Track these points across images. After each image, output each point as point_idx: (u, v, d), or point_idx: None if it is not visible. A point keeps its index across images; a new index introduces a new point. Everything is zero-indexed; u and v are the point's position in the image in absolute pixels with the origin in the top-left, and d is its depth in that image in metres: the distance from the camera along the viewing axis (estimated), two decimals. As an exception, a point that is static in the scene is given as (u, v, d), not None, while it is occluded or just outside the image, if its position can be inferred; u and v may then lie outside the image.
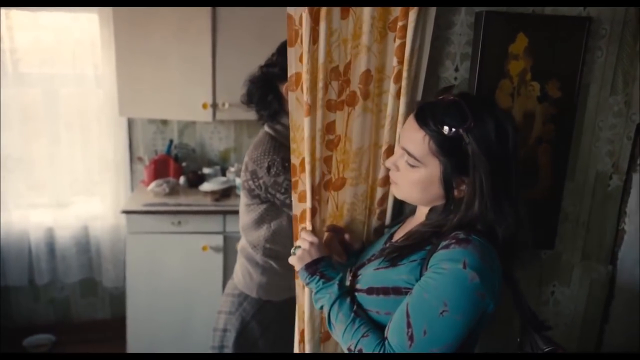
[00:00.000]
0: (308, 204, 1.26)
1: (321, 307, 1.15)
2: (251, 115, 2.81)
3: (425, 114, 1.02)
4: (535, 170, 1.43)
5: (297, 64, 1.19)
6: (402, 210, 1.36)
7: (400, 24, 1.17)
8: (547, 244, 1.50)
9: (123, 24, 2.62)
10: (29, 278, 3.07)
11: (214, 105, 2.75)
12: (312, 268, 1.17)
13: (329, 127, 1.25)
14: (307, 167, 1.23)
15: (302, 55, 1.16)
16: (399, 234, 1.17)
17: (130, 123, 3.05)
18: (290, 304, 1.77)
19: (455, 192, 1.04)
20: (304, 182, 1.27)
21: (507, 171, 1.01)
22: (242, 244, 1.79)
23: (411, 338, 0.95)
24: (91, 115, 2.99)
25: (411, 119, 1.05)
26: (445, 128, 0.98)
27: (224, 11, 2.65)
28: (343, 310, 1.08)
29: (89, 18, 2.87)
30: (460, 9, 1.32)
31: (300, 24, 1.16)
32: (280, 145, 1.62)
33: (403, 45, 1.18)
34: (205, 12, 2.62)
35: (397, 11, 1.19)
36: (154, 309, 2.74)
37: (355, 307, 1.09)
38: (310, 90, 1.17)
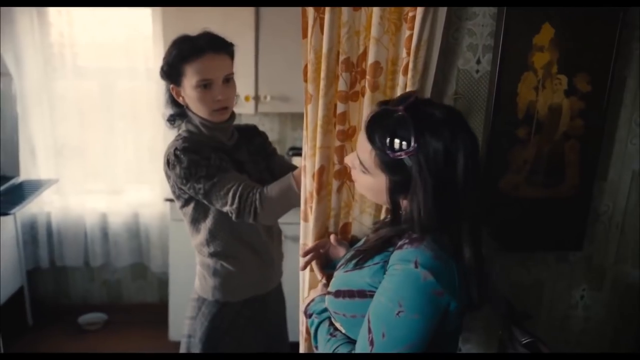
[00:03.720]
0: (309, 187, 1.30)
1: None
2: (293, 107, 2.88)
3: (374, 127, 0.97)
4: (561, 167, 1.36)
5: (307, 55, 1.20)
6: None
7: (410, 14, 1.15)
8: (575, 244, 1.43)
9: (171, 18, 2.71)
10: (85, 260, 3.26)
11: (256, 98, 2.80)
12: (305, 314, 1.24)
13: (340, 118, 1.25)
14: (309, 152, 1.27)
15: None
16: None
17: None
18: (251, 305, 1.72)
19: (404, 204, 1.00)
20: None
21: (454, 192, 0.94)
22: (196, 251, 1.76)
23: (372, 343, 0.95)
24: (143, 107, 3.12)
25: (363, 128, 1.01)
26: (390, 148, 0.93)
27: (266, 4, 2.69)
28: (322, 335, 1.13)
29: (142, 14, 2.99)
30: (483, -1, 1.28)
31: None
32: (182, 140, 1.55)
33: (412, 36, 1.16)
34: (248, 8, 2.67)
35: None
36: (195, 295, 2.84)
37: (332, 330, 1.11)
38: (314, 80, 1.18)
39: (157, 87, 3.02)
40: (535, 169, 1.36)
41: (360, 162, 1.02)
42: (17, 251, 3.04)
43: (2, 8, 2.78)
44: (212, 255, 1.66)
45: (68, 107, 3.05)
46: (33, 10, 2.87)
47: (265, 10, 2.70)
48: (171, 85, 1.59)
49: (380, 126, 0.96)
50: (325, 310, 1.16)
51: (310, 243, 1.37)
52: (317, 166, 1.29)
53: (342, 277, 1.11)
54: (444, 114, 0.95)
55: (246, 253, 1.67)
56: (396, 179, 0.97)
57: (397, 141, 0.92)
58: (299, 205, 1.45)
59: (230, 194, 1.48)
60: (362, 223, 1.34)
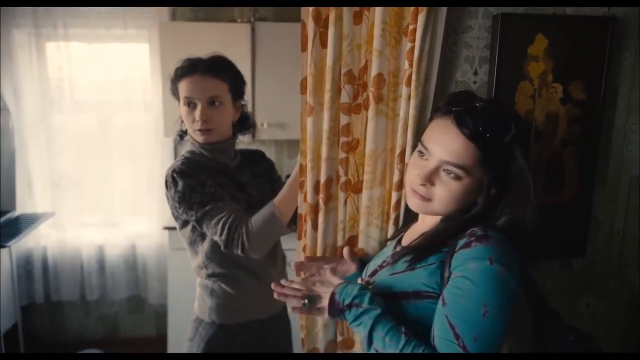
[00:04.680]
0: (309, 200, 1.29)
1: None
2: (290, 134, 2.92)
3: (468, 123, 0.98)
4: (561, 174, 1.39)
5: (307, 68, 1.23)
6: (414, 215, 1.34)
7: (411, 27, 1.20)
8: (577, 251, 1.44)
9: (169, 50, 2.77)
10: (81, 294, 3.21)
11: (253, 126, 2.83)
12: (337, 309, 1.06)
13: (344, 130, 1.28)
14: (309, 165, 1.27)
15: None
16: (407, 240, 1.16)
17: (177, 144, 3.17)
18: (250, 329, 1.69)
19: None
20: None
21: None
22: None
23: (464, 348, 0.92)
24: (140, 138, 3.14)
25: (451, 129, 1.00)
26: (495, 138, 0.98)
27: (262, 35, 2.76)
28: (389, 335, 0.98)
29: (139, 48, 3.06)
30: (478, 13, 1.33)
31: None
32: (182, 162, 1.56)
33: (414, 48, 1.20)
34: (244, 36, 2.74)
35: (409, 15, 1.21)
36: (194, 325, 2.80)
37: (403, 328, 0.99)
38: (315, 92, 1.21)
39: (154, 119, 3.07)
40: (536, 176, 1.38)
41: (457, 167, 0.99)
42: (11, 286, 2.99)
43: (1, 43, 2.83)
44: (210, 276, 1.64)
45: (65, 141, 3.07)
46: (32, 44, 2.93)
47: (261, 39, 2.77)
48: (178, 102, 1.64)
49: (475, 122, 0.98)
50: (372, 300, 1.02)
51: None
52: (323, 178, 1.31)
53: (389, 280, 1.08)
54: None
55: (245, 276, 1.65)
56: (497, 168, 1.00)
57: (498, 127, 0.98)
58: (285, 233, 1.47)
59: (220, 225, 1.47)
60: (370, 235, 1.34)
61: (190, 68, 1.56)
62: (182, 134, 1.71)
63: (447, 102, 1.07)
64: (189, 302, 2.75)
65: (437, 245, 1.04)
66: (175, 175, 1.51)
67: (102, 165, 3.15)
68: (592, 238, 1.46)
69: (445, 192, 1.02)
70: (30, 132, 3.02)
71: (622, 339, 1.52)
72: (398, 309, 1.04)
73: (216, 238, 1.50)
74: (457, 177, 1.00)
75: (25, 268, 3.15)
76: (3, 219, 2.79)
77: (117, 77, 3.08)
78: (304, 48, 1.24)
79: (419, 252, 1.05)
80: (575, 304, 1.50)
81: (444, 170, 1.01)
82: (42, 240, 3.13)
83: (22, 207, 3.02)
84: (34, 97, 2.99)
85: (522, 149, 0.99)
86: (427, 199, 1.04)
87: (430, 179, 1.02)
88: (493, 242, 0.96)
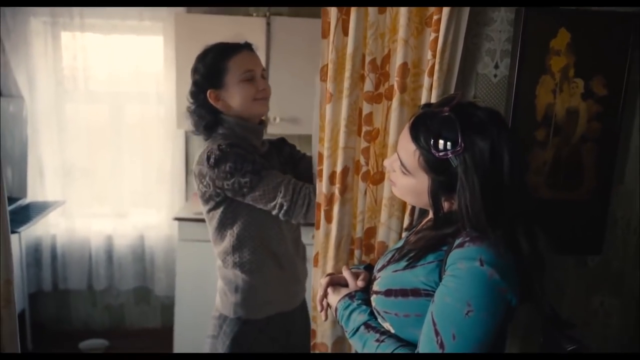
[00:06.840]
0: (324, 190, 1.28)
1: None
2: (302, 129, 2.92)
3: (419, 128, 1.00)
4: (579, 170, 1.39)
5: (327, 55, 1.23)
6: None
7: (435, 17, 1.20)
8: (593, 248, 1.44)
9: (184, 42, 2.78)
10: (88, 283, 3.23)
11: (266, 120, 2.84)
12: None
13: (367, 119, 1.28)
14: (326, 153, 1.26)
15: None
16: (417, 235, 1.15)
17: (188, 136, 3.17)
18: (275, 322, 1.65)
19: (446, 205, 1.02)
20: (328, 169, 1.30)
21: (500, 190, 0.95)
22: (218, 262, 1.68)
23: (441, 345, 0.92)
24: (151, 130, 3.15)
25: (406, 129, 1.03)
26: (435, 148, 0.96)
27: (277, 30, 2.77)
28: (369, 341, 1.07)
29: (153, 40, 3.07)
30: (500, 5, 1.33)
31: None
32: (221, 137, 1.55)
33: (437, 39, 1.20)
34: (260, 30, 2.75)
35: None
36: (201, 318, 2.79)
37: (378, 335, 1.06)
38: (335, 79, 1.21)
39: (167, 112, 3.07)
40: (554, 171, 1.38)
41: (402, 164, 1.03)
42: (20, 274, 3.01)
43: (17, 30, 2.85)
44: (235, 265, 1.60)
45: (78, 130, 3.09)
46: (48, 33, 2.95)
47: (276, 34, 2.77)
48: (209, 92, 1.56)
49: (426, 127, 0.98)
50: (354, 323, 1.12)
51: (331, 249, 1.36)
52: (340, 167, 1.30)
53: (391, 277, 1.09)
54: (487, 114, 0.98)
55: (271, 266, 1.62)
56: (440, 179, 0.98)
57: (443, 141, 0.95)
58: None
59: (283, 187, 1.45)
60: (391, 228, 1.33)
61: (236, 47, 1.59)
62: (210, 126, 1.60)
63: (438, 101, 1.08)
64: (196, 294, 2.77)
65: (434, 245, 1.04)
66: (223, 147, 1.47)
67: (113, 155, 3.16)
68: (609, 236, 1.45)
69: (398, 183, 1.09)
70: (43, 120, 3.04)
71: (636, 338, 1.51)
72: (398, 306, 1.04)
73: (275, 202, 1.46)
74: (405, 173, 1.04)
75: (34, 256, 3.16)
76: (14, 205, 2.80)
77: (131, 68, 3.10)
78: (325, 35, 1.24)
79: (417, 252, 1.06)
80: (590, 301, 1.50)
81: (398, 163, 1.06)
82: (51, 228, 3.15)
83: (33, 194, 3.04)
84: (48, 86, 3.01)
85: (464, 169, 0.94)
86: (393, 182, 1.12)
87: (392, 166, 1.10)
88: (488, 243, 0.94)
